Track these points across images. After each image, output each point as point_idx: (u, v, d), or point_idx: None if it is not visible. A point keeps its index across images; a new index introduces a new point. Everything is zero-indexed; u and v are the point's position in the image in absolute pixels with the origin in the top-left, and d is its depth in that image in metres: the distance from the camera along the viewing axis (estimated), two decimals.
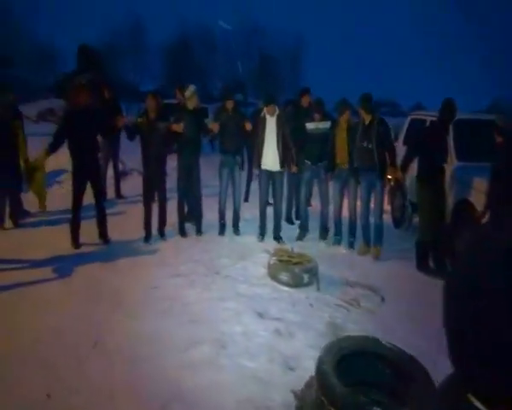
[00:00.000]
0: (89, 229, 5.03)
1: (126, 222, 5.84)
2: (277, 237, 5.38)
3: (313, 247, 5.20)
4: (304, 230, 5.52)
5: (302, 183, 5.52)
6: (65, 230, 5.19)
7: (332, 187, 5.37)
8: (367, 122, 4.83)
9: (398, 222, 6.30)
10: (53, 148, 4.77)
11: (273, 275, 4.22)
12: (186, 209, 5.58)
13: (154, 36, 42.87)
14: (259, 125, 5.19)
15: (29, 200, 5.93)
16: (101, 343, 3.07)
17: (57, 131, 4.83)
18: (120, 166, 7.81)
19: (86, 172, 4.86)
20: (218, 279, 4.23)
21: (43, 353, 2.92)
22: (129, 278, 4.21)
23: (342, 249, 5.22)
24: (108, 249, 4.91)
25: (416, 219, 5.72)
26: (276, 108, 5.20)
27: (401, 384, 1.65)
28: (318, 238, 5.44)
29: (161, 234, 5.32)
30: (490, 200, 3.78)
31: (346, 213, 5.32)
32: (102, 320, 3.37)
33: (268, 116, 5.15)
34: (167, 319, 3.41)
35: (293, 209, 6.33)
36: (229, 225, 5.64)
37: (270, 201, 5.61)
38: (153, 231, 5.27)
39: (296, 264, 4.20)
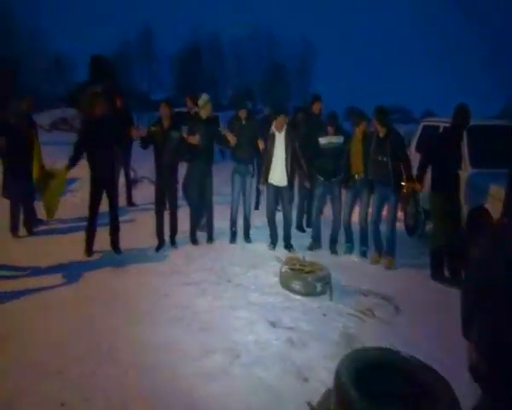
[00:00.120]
0: (101, 237, 5.05)
1: (138, 230, 5.87)
2: (288, 246, 5.35)
3: (325, 255, 5.16)
4: (316, 242, 5.46)
5: (314, 198, 5.46)
6: (77, 238, 5.24)
7: (344, 195, 5.33)
8: (382, 135, 4.78)
9: (411, 230, 6.22)
10: (74, 161, 4.79)
11: (285, 284, 4.18)
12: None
13: (164, 45, 43.41)
14: (268, 142, 5.20)
15: (42, 209, 5.99)
16: (113, 351, 3.06)
17: (76, 144, 4.84)
18: (131, 174, 7.87)
19: (104, 182, 4.89)
20: (229, 288, 4.21)
21: (56, 361, 2.93)
22: (140, 285, 4.21)
23: (354, 258, 5.17)
24: (120, 257, 4.93)
25: (429, 227, 5.66)
26: (285, 120, 5.18)
27: (423, 399, 1.61)
28: (329, 248, 5.38)
29: (173, 242, 5.33)
30: (507, 206, 3.70)
31: (356, 218, 5.28)
32: (114, 328, 3.37)
33: (277, 133, 5.15)
34: (179, 328, 3.40)
35: (305, 217, 6.29)
36: (240, 232, 5.63)
37: (279, 208, 5.59)
38: (164, 239, 5.28)
39: (308, 272, 4.16)
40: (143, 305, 3.80)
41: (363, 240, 5.18)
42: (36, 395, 2.59)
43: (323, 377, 2.72)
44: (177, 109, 7.81)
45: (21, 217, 5.63)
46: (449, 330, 2.76)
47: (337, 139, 5.18)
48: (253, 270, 4.66)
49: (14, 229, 5.49)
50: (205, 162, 5.31)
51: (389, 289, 4.24)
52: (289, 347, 3.18)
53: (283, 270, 4.25)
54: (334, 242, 5.36)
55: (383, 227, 5.00)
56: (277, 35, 41.32)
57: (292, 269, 4.23)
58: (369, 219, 5.07)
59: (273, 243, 5.42)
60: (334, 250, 5.33)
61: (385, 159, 4.73)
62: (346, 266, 4.85)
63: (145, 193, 7.68)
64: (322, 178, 5.29)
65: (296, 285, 4.08)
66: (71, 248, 5.04)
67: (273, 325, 3.49)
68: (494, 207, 4.11)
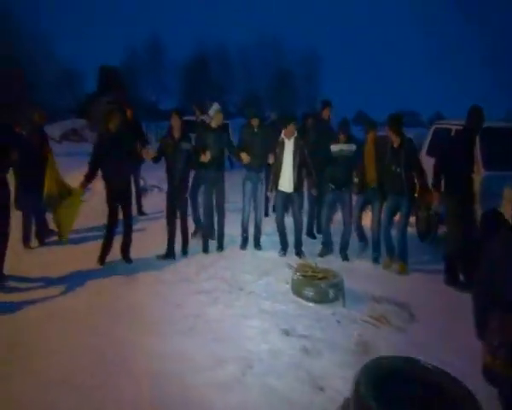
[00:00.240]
0: (112, 246, 5.06)
1: (148, 239, 5.87)
2: (299, 253, 5.31)
3: (336, 261, 5.11)
4: (326, 248, 5.41)
5: (324, 205, 5.41)
6: (89, 248, 5.26)
7: (355, 200, 5.29)
8: (396, 145, 4.73)
9: (423, 235, 6.13)
10: (89, 179, 4.81)
11: (297, 291, 4.14)
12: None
13: (172, 54, 43.95)
14: (277, 149, 5.19)
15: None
16: (125, 362, 3.04)
17: (92, 162, 4.83)
18: (141, 183, 7.91)
19: (119, 194, 4.92)
20: (241, 296, 4.18)
21: (66, 371, 2.92)
22: (152, 295, 4.20)
23: (366, 264, 5.11)
24: (131, 266, 4.93)
25: (441, 231, 5.57)
26: (296, 128, 5.17)
27: (444, 408, 1.56)
28: (339, 254, 5.33)
29: (184, 251, 5.32)
30: None
31: (366, 222, 5.22)
32: (126, 338, 3.35)
33: (286, 140, 5.15)
34: (191, 337, 3.37)
35: (315, 223, 6.25)
36: (250, 239, 5.61)
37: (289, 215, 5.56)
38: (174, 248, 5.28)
39: (321, 279, 4.12)
40: (155, 314, 3.79)
41: (376, 246, 5.12)
42: (52, 407, 2.58)
43: (339, 387, 2.67)
44: (185, 118, 7.86)
45: (33, 228, 5.67)
46: (463, 336, 2.69)
47: (349, 147, 5.13)
48: (265, 277, 4.63)
49: (26, 240, 5.53)
50: (216, 171, 5.32)
51: (402, 295, 4.18)
52: (303, 355, 3.13)
53: (295, 277, 4.21)
54: (344, 248, 5.31)
55: (394, 232, 4.94)
56: (283, 42, 41.52)
57: (304, 276, 4.19)
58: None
59: (283, 249, 5.39)
60: (344, 257, 5.27)
61: (398, 169, 4.69)
62: (359, 273, 4.79)
63: (155, 202, 7.71)
64: (333, 186, 5.25)
65: (309, 292, 4.04)
66: (82, 258, 5.05)
67: (286, 333, 3.45)
68: (508, 210, 4.04)
